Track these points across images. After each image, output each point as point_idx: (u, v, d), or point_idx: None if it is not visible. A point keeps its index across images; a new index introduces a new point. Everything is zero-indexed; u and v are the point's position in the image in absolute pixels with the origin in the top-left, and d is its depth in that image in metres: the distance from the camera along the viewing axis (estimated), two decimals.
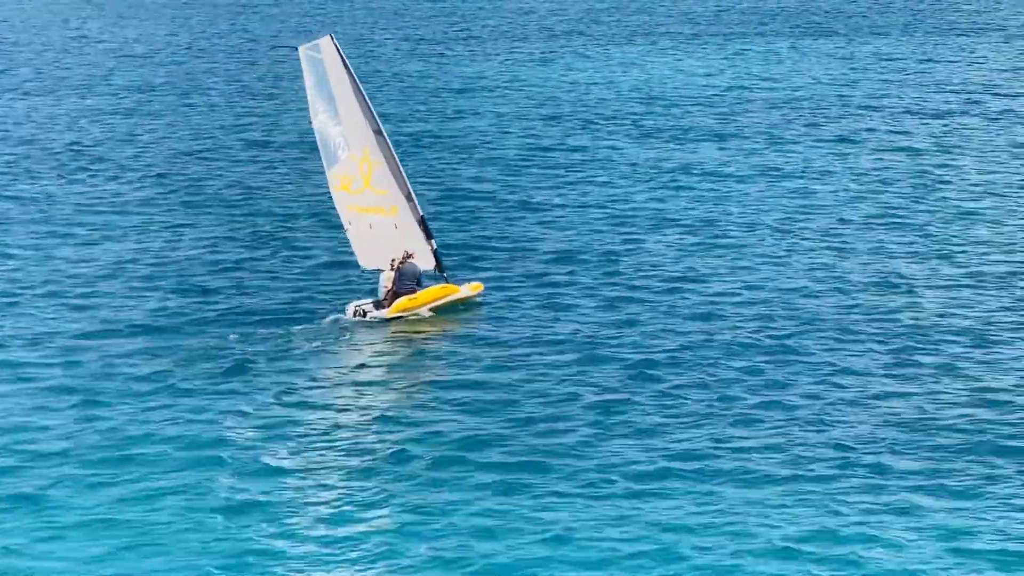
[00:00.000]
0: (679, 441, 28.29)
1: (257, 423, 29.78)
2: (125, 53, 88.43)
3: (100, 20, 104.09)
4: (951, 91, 69.05)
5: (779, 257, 41.40)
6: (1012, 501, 25.59)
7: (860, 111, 63.99)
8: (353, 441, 28.84)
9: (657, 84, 71.96)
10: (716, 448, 27.80)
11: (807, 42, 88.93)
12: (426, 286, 36.94)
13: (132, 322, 36.45)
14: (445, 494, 26.14)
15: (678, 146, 57.24)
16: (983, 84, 71.19)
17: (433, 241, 37.86)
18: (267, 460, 27.83)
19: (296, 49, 38.15)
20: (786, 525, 24.57)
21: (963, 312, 36.31)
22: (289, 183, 53.28)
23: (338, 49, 37.68)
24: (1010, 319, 35.73)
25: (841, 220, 45.70)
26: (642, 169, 53.32)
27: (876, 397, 30.48)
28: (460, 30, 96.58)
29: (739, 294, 37.90)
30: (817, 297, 37.53)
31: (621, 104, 66.63)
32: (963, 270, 40.04)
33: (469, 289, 37.61)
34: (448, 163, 55.76)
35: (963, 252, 41.93)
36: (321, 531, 25.01)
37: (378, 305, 36.55)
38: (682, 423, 29.22)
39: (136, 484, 26.65)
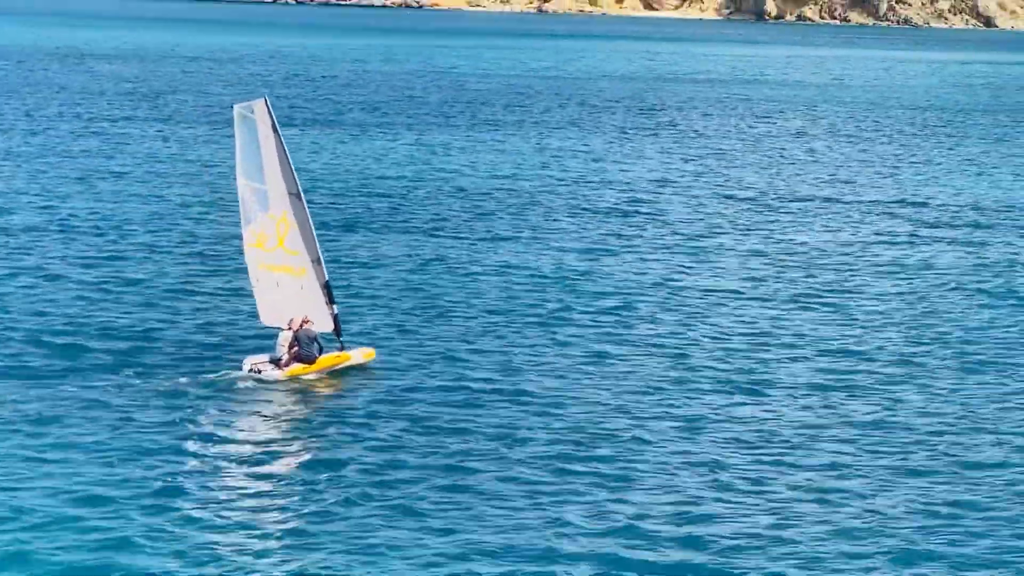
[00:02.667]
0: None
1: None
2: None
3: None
4: (618, 187, 72.60)
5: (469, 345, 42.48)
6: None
7: (529, 205, 66.53)
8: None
9: (340, 169, 75.18)
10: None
11: (482, 134, 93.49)
12: (324, 350, 38.88)
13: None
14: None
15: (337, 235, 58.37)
16: (651, 181, 75.20)
17: (335, 306, 39.78)
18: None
19: (232, 107, 39.94)
20: None
21: (616, 417, 36.13)
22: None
23: (270, 111, 39.35)
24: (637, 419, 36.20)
25: (497, 313, 46.21)
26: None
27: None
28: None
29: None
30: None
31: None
32: (618, 368, 40.28)
33: (361, 356, 39.59)
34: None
35: (618, 351, 42.24)
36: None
37: (274, 362, 38.36)
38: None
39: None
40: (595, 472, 31.99)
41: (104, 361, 38.41)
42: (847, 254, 57.78)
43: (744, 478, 31.80)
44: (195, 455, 32.17)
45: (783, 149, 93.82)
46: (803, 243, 60.06)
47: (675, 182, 75.86)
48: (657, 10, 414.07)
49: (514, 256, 55.12)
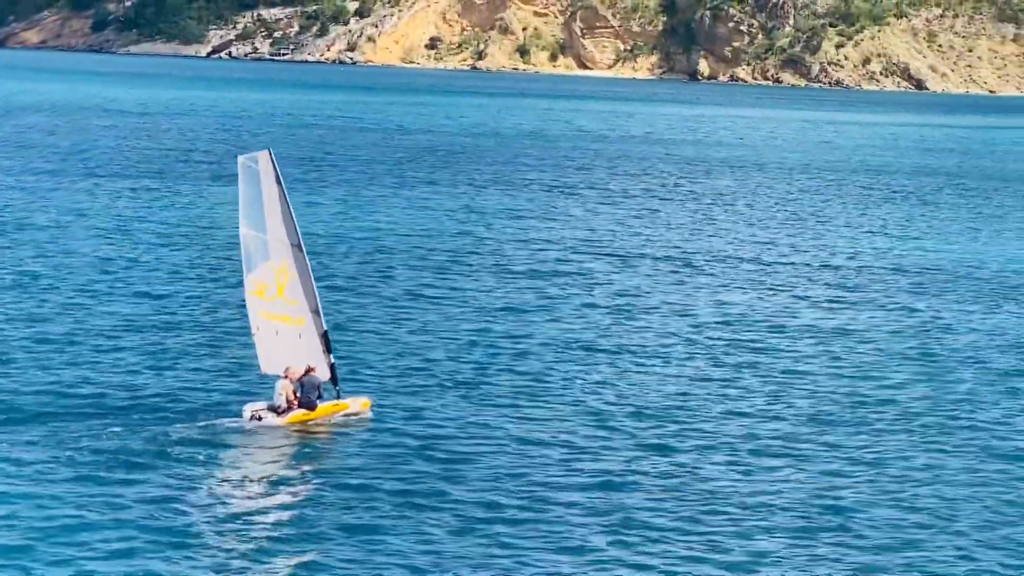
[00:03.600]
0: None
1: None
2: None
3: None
4: (542, 248, 72.60)
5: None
6: None
7: (451, 263, 66.56)
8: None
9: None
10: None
11: (408, 191, 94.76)
12: (323, 398, 39.56)
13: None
14: None
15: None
16: (578, 240, 75.42)
17: (331, 355, 40.43)
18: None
19: (236, 158, 40.65)
20: None
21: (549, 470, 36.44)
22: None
23: (274, 163, 40.04)
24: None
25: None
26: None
27: None
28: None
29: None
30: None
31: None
32: (546, 426, 40.23)
33: (358, 405, 40.31)
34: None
35: (545, 412, 41.92)
36: None
37: (272, 409, 38.95)
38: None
39: None
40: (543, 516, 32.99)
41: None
42: (769, 315, 57.32)
43: (659, 537, 32.04)
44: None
45: (708, 209, 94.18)
46: (726, 304, 59.59)
47: (599, 242, 75.85)
48: (591, 69, 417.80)
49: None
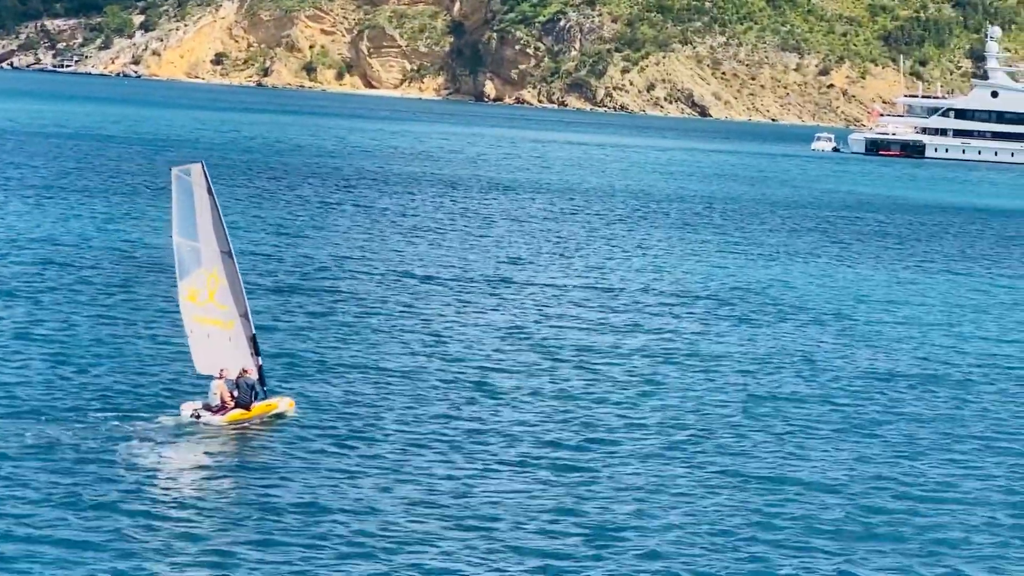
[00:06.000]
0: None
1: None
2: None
3: None
4: (301, 262, 72.00)
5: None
6: None
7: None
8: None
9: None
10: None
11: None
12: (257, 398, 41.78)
13: None
14: None
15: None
16: (334, 257, 74.76)
17: (259, 358, 42.58)
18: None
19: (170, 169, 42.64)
20: None
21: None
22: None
23: (206, 175, 42.01)
24: None
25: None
26: None
27: None
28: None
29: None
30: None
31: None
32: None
33: (286, 404, 42.61)
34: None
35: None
36: None
37: (208, 408, 41.00)
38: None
39: None
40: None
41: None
42: (527, 336, 56.56)
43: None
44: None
45: (472, 229, 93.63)
46: (484, 325, 58.62)
47: (356, 258, 75.08)
48: (377, 88, 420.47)
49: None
